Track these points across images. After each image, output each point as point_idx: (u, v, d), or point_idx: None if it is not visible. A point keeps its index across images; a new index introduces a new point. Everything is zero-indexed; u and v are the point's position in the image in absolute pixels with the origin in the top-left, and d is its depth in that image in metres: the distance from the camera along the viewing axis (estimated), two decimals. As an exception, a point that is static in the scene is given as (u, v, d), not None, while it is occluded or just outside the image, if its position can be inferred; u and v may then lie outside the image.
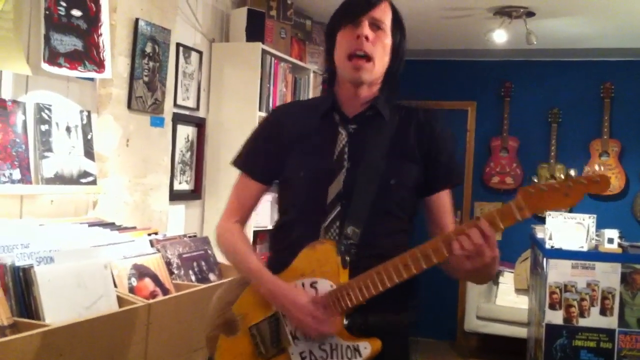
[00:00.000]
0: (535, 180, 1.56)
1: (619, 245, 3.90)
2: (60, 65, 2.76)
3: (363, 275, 1.67)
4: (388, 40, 1.81)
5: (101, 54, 2.96)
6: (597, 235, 3.97)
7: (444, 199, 1.88)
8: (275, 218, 2.02)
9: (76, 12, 2.82)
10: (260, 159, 1.93)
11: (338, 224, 1.76)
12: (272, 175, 1.92)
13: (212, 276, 2.93)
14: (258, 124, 2.01)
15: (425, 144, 1.84)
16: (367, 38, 1.77)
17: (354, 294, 1.67)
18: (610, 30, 5.23)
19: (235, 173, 4.40)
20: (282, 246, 1.87)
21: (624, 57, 6.05)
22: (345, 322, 1.71)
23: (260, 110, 4.15)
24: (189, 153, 4.04)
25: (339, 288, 1.70)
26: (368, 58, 1.78)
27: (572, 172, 1.52)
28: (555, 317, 3.82)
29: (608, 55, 6.03)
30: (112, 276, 2.35)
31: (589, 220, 3.85)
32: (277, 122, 1.93)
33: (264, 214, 4.22)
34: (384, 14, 1.80)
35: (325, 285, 1.72)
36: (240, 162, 1.97)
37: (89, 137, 2.97)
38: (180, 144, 3.93)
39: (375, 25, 1.79)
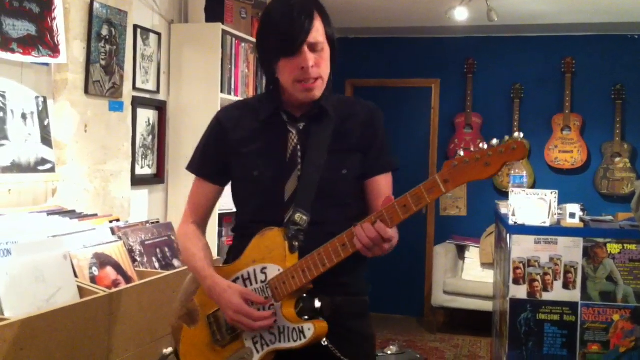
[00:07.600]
0: (462, 153, 1.56)
1: (581, 219, 3.95)
2: (13, 51, 2.69)
3: (306, 258, 1.72)
4: (327, 54, 1.81)
5: (55, 39, 2.89)
6: (559, 210, 4.01)
7: (380, 184, 1.91)
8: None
9: (28, -4, 2.75)
10: (211, 162, 1.96)
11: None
12: (224, 176, 1.97)
13: (176, 262, 2.90)
14: (206, 129, 2.01)
15: (364, 134, 1.89)
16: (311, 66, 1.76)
17: (298, 276, 1.72)
18: (570, 5, 5.25)
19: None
20: (244, 244, 1.87)
21: (584, 32, 6.10)
22: (296, 306, 1.75)
23: (222, 92, 4.10)
24: (151, 137, 3.98)
25: (284, 272, 1.74)
26: (316, 79, 1.79)
27: (494, 142, 1.52)
28: (520, 292, 3.87)
29: (569, 30, 6.08)
30: (73, 266, 2.31)
31: (550, 196, 3.88)
32: (221, 126, 1.93)
33: (229, 197, 4.17)
34: (318, 33, 1.77)
35: (274, 270, 1.76)
36: (194, 167, 2.00)
37: (46, 123, 2.91)
38: (141, 128, 3.87)
39: (313, 48, 1.76)
